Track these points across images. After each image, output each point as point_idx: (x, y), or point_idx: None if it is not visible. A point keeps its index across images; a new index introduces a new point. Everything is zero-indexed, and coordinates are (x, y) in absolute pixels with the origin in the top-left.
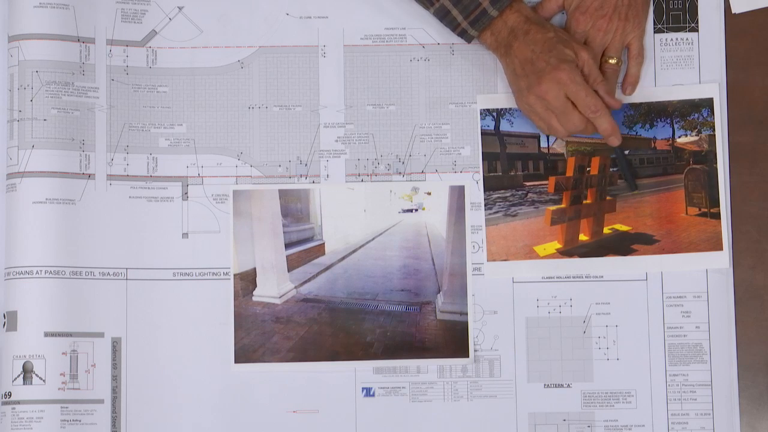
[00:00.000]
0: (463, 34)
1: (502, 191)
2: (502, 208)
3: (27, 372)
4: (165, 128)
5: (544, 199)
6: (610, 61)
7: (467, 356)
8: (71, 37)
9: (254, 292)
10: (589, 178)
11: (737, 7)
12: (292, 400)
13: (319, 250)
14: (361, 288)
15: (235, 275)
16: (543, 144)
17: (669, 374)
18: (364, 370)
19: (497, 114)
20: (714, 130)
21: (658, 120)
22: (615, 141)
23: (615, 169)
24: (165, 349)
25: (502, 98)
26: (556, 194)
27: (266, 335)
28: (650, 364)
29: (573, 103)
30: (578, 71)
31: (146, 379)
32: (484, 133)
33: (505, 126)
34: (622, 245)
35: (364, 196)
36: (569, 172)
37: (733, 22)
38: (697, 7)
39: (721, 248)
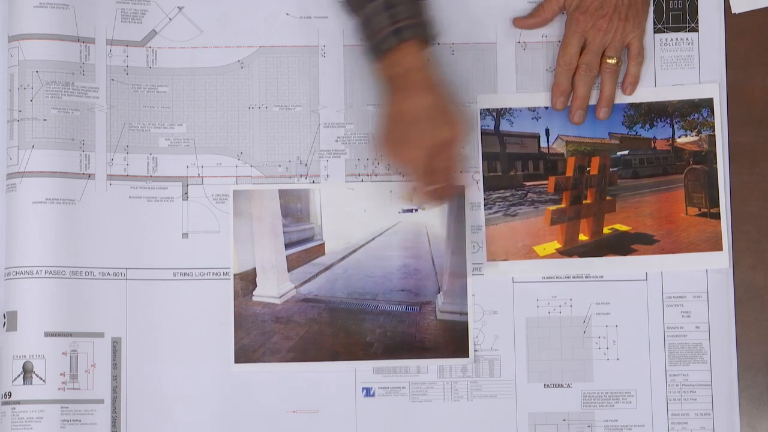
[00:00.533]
0: (367, 55)
1: (502, 191)
2: (502, 207)
3: (27, 372)
4: (165, 128)
5: (543, 199)
6: (610, 61)
7: (467, 356)
8: (71, 37)
9: (254, 292)
10: (588, 178)
11: (737, 7)
12: (292, 400)
13: (319, 250)
14: (361, 288)
15: (235, 275)
16: (543, 144)
17: (669, 374)
18: (364, 370)
19: (497, 114)
20: (714, 130)
21: (658, 120)
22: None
23: (615, 169)
24: (165, 349)
25: (502, 98)
26: (556, 194)
27: (266, 335)
28: (650, 364)
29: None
30: (430, 157)
31: (146, 379)
32: (484, 133)
33: (505, 126)
34: (621, 245)
35: (364, 196)
36: (569, 172)
37: (733, 22)
38: (697, 7)
39: (720, 248)
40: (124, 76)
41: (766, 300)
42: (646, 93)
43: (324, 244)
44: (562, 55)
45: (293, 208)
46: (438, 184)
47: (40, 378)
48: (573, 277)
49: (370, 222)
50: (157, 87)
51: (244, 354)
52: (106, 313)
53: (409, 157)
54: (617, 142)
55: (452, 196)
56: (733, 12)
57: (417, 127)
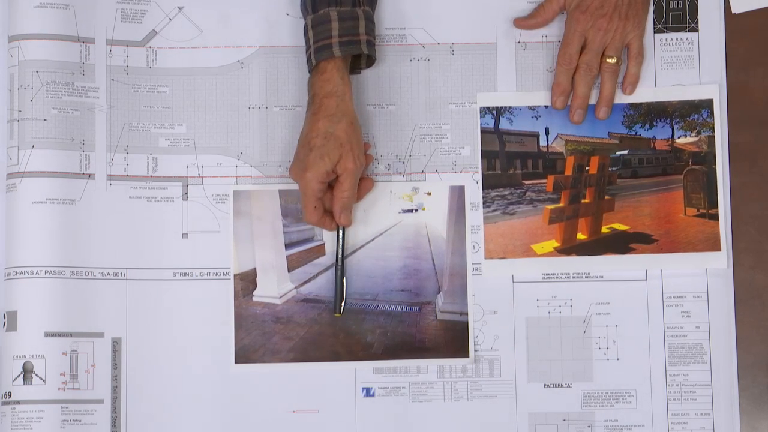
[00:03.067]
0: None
1: (501, 189)
2: (501, 206)
3: (27, 372)
4: (165, 128)
5: (542, 198)
6: (609, 60)
7: (467, 356)
8: (71, 37)
9: (254, 293)
10: (587, 177)
11: (737, 7)
12: (292, 400)
13: (319, 250)
14: (361, 288)
15: (235, 275)
16: (542, 143)
17: (669, 374)
18: (364, 370)
19: (497, 112)
20: (713, 131)
21: (658, 120)
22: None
23: (614, 168)
24: (165, 349)
25: (501, 96)
26: (555, 193)
27: (266, 335)
28: (650, 364)
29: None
30: (317, 181)
31: (146, 379)
32: (483, 132)
33: (504, 124)
34: (620, 244)
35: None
36: (568, 171)
37: (733, 22)
38: (697, 7)
39: (719, 249)
40: (124, 76)
41: (766, 300)
42: (645, 93)
43: (324, 244)
44: (562, 54)
45: (293, 208)
46: (320, 218)
47: (40, 378)
48: (573, 277)
49: (370, 222)
50: (157, 87)
51: (244, 354)
52: (106, 313)
53: (301, 181)
54: (617, 141)
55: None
56: (733, 12)
57: (311, 154)
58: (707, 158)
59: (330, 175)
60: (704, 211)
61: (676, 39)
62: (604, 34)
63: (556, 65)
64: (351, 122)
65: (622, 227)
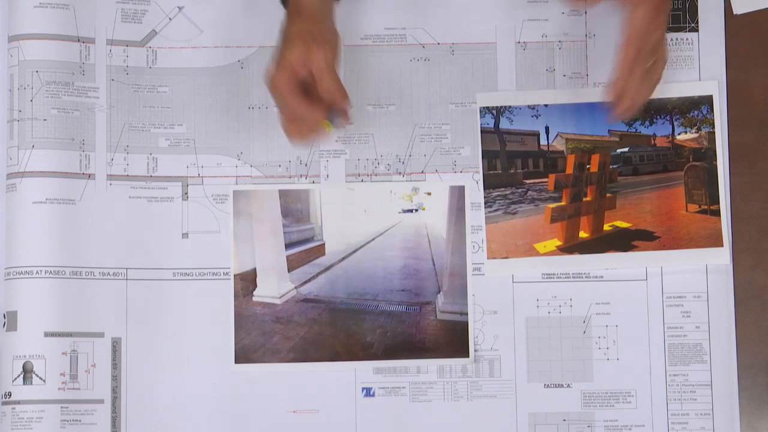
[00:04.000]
0: None
1: (502, 189)
2: (502, 206)
3: (27, 372)
4: (165, 128)
5: (544, 197)
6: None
7: (467, 356)
8: (71, 37)
9: (254, 293)
10: (589, 176)
11: (738, 8)
12: (292, 400)
13: (320, 250)
14: (361, 288)
15: (235, 275)
16: (543, 141)
17: (669, 374)
18: (364, 370)
19: (497, 112)
20: (713, 127)
21: (658, 117)
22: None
23: (615, 166)
24: (165, 349)
25: (501, 96)
26: (556, 192)
27: (266, 335)
28: (650, 364)
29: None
30: (284, 80)
31: (146, 379)
32: (483, 131)
33: (504, 124)
34: (622, 242)
35: (364, 196)
36: (569, 170)
37: (733, 22)
38: (697, 7)
39: (721, 245)
40: (124, 76)
41: (766, 300)
42: None
43: (324, 244)
44: (624, 54)
45: (293, 208)
46: (301, 117)
47: (40, 378)
48: (573, 277)
49: (370, 222)
50: (157, 87)
51: (244, 354)
52: (106, 313)
53: (270, 88)
54: (617, 139)
55: (318, 136)
56: (735, 13)
57: (279, 50)
58: (708, 154)
59: (298, 70)
60: (706, 207)
61: (676, 39)
62: (661, 33)
63: (615, 66)
64: (310, 17)
65: (624, 225)
